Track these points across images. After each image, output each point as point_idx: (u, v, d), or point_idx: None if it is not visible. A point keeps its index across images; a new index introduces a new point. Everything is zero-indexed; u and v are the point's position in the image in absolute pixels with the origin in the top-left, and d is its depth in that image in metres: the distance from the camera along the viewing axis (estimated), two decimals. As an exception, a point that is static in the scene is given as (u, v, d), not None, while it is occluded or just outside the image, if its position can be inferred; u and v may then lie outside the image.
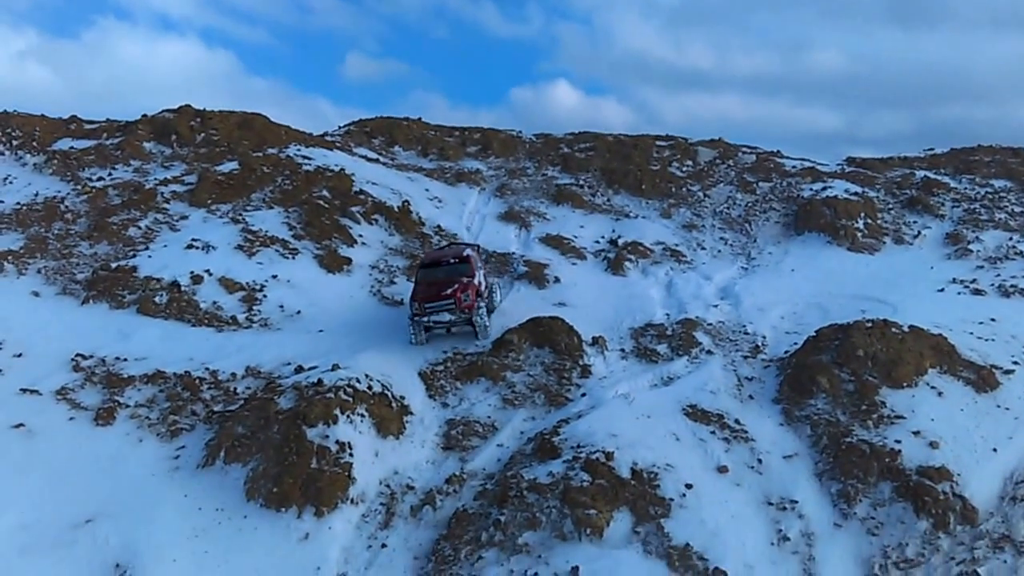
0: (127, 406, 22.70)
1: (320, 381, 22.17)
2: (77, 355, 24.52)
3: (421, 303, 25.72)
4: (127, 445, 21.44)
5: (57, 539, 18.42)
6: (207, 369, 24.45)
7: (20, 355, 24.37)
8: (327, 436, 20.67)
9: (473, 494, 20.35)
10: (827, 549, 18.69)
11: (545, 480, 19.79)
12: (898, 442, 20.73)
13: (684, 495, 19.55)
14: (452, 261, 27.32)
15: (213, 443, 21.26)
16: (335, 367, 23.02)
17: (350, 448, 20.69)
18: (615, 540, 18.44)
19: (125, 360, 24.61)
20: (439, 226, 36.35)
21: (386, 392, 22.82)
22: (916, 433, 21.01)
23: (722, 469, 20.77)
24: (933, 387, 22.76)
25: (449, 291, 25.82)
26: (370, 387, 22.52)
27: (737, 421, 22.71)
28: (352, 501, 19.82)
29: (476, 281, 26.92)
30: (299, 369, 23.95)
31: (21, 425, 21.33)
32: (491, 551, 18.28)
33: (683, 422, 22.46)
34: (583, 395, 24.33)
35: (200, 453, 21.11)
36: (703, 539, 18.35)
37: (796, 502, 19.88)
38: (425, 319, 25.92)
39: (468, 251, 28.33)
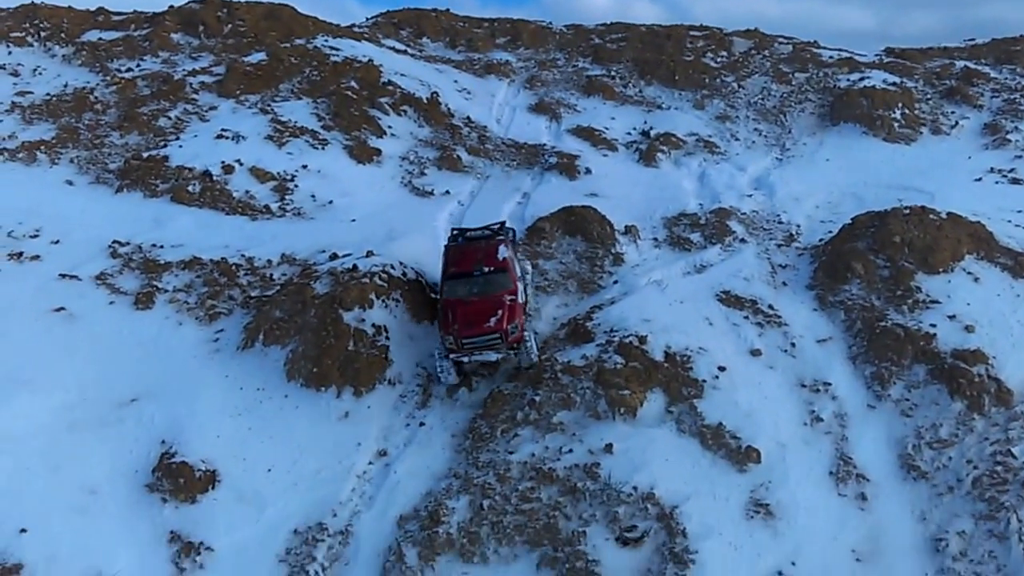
0: (165, 291, 23.02)
1: (355, 267, 22.30)
2: (114, 242, 24.75)
3: (459, 337, 19.89)
4: (167, 328, 21.84)
5: (104, 417, 19.05)
6: (243, 256, 24.60)
7: (57, 242, 24.63)
8: (363, 320, 20.94)
9: (507, 376, 20.64)
10: (860, 429, 18.94)
11: (579, 363, 20.06)
12: (933, 326, 20.74)
13: (717, 377, 19.77)
14: (487, 270, 20.89)
15: (252, 326, 21.61)
16: (369, 254, 23.13)
17: (386, 331, 20.98)
18: (648, 419, 18.79)
19: (161, 247, 24.81)
20: (468, 117, 35.85)
21: (420, 280, 22.93)
22: (951, 317, 21.00)
23: (755, 352, 20.91)
24: (970, 273, 22.58)
25: (493, 321, 19.97)
26: (404, 274, 22.64)
27: (770, 306, 22.73)
28: (389, 382, 20.24)
29: (519, 295, 21.01)
30: (333, 256, 24.05)
31: (63, 308, 21.71)
32: (526, 429, 18.69)
33: (716, 307, 22.54)
34: (615, 282, 24.41)
35: (239, 336, 21.48)
36: (736, 419, 18.63)
37: (829, 384, 20.03)
38: (465, 359, 20.28)
39: (503, 248, 21.53)
